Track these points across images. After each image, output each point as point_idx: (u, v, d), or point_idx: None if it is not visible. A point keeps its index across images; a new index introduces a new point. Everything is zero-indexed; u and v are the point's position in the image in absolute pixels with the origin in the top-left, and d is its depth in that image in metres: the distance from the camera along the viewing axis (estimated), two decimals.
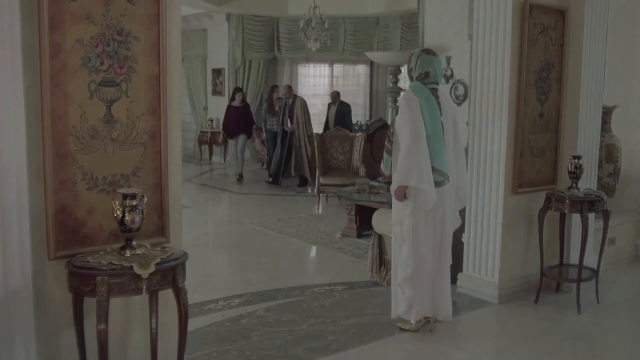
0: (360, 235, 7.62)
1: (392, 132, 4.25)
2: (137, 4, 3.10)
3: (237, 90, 12.26)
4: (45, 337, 2.98)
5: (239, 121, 11.85)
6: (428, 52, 4.38)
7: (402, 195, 4.19)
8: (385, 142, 4.33)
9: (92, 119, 3.03)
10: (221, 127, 12.71)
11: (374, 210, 6.48)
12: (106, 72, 3.04)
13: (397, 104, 4.34)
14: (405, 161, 4.10)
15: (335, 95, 11.75)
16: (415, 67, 4.32)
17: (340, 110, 11.43)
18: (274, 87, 12.22)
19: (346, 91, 13.83)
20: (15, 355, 2.85)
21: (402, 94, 4.29)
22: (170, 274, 2.91)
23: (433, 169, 4.15)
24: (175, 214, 3.38)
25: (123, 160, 3.14)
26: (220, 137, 13.79)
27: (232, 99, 12.12)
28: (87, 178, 3.04)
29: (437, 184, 4.19)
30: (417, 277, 4.27)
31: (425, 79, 4.28)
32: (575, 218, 5.13)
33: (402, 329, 4.38)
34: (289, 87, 11.59)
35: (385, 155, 4.33)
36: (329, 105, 11.83)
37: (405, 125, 4.13)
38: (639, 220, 6.48)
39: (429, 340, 4.32)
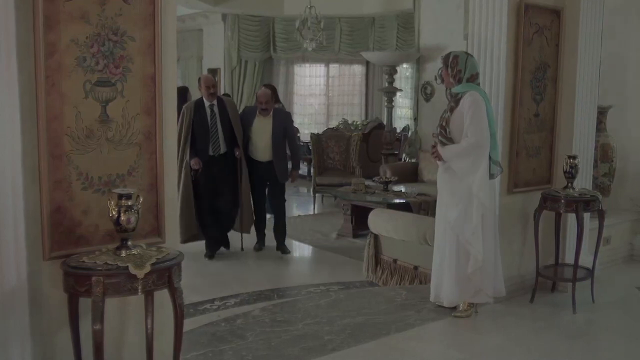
0: (356, 235, 7.64)
1: (449, 132, 4.50)
2: (132, 4, 3.09)
3: (186, 89, 9.04)
4: (41, 338, 2.97)
5: None
6: (471, 54, 4.66)
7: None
8: (442, 139, 4.55)
9: (88, 119, 3.02)
10: None
11: (370, 210, 6.49)
12: (101, 72, 3.03)
13: (452, 105, 4.55)
14: (474, 154, 4.41)
15: (267, 100, 6.78)
16: (465, 69, 4.51)
17: (278, 124, 6.81)
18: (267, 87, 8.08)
19: (342, 91, 13.84)
20: (10, 356, 2.84)
21: (467, 94, 4.44)
22: (166, 274, 2.90)
23: (494, 162, 4.53)
24: (171, 214, 3.38)
25: (118, 160, 3.14)
26: None
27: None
28: (83, 178, 3.03)
29: (494, 176, 4.58)
30: (486, 264, 4.53)
31: (476, 80, 4.54)
32: (571, 218, 5.14)
33: (457, 317, 4.60)
34: (210, 80, 6.83)
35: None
36: (252, 111, 7.03)
37: (479, 126, 4.39)
38: (634, 220, 6.50)
39: (425, 340, 4.33)
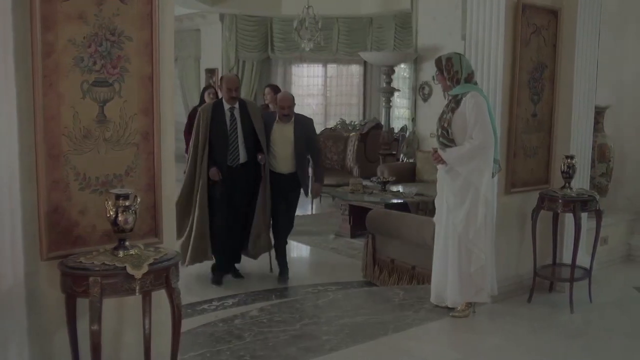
0: (354, 235, 7.65)
1: (452, 133, 4.48)
2: (129, 4, 3.09)
3: (208, 87, 8.48)
4: (38, 338, 2.97)
5: None
6: (462, 54, 4.67)
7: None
8: (443, 140, 4.54)
9: (85, 119, 3.01)
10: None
11: (367, 210, 6.50)
12: (99, 72, 3.03)
13: (453, 105, 4.53)
14: (479, 156, 4.42)
15: (289, 105, 6.11)
16: (461, 69, 4.51)
17: (301, 132, 6.13)
18: (272, 88, 8.04)
19: (340, 91, 13.83)
20: (8, 357, 2.84)
21: (469, 95, 4.43)
22: (164, 275, 2.90)
23: (494, 160, 4.54)
24: (169, 214, 3.38)
25: (116, 160, 3.13)
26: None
27: (202, 102, 7.81)
28: (80, 178, 3.03)
29: (493, 175, 4.61)
30: (487, 263, 4.55)
31: (473, 79, 4.55)
32: (568, 218, 5.14)
33: (455, 317, 4.59)
34: (234, 82, 5.98)
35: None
36: (269, 117, 6.22)
37: (484, 128, 4.39)
38: (631, 220, 6.51)
39: (423, 340, 4.33)
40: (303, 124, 6.23)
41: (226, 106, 5.83)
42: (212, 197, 5.83)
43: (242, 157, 5.83)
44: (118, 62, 3.08)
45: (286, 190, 6.12)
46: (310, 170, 6.81)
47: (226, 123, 5.80)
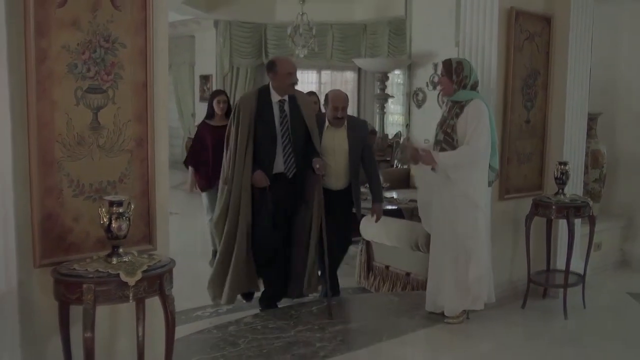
0: None
1: (457, 140, 4.44)
2: (124, 11, 3.09)
3: (218, 93, 6.68)
4: (31, 345, 2.96)
5: (218, 156, 5.25)
6: (471, 63, 4.67)
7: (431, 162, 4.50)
8: (446, 147, 4.49)
9: (79, 125, 3.01)
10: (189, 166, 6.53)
11: (362, 216, 6.48)
12: (93, 79, 3.03)
13: (457, 111, 4.50)
14: (473, 162, 4.42)
15: (344, 106, 5.08)
16: (470, 76, 4.50)
17: (356, 139, 5.10)
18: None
19: None
20: None
21: (473, 102, 4.43)
22: (157, 282, 2.89)
23: (493, 169, 4.56)
24: (162, 221, 3.37)
25: (109, 167, 3.13)
26: (189, 181, 6.60)
27: (210, 112, 6.41)
28: (74, 185, 3.02)
29: (491, 183, 4.64)
30: (486, 271, 4.57)
31: (478, 87, 4.55)
32: (562, 224, 5.16)
33: (449, 323, 4.57)
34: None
35: None
36: (318, 120, 5.04)
37: (483, 134, 4.38)
38: (625, 226, 6.53)
39: (417, 346, 4.34)
40: (358, 129, 5.17)
41: (274, 97, 4.63)
42: (255, 214, 4.68)
43: (298, 163, 4.72)
44: (112, 69, 3.08)
45: (336, 211, 5.00)
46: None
47: (274, 120, 4.62)
